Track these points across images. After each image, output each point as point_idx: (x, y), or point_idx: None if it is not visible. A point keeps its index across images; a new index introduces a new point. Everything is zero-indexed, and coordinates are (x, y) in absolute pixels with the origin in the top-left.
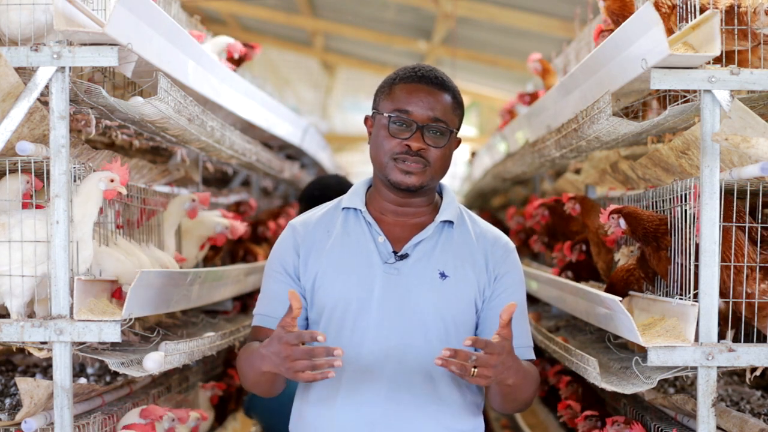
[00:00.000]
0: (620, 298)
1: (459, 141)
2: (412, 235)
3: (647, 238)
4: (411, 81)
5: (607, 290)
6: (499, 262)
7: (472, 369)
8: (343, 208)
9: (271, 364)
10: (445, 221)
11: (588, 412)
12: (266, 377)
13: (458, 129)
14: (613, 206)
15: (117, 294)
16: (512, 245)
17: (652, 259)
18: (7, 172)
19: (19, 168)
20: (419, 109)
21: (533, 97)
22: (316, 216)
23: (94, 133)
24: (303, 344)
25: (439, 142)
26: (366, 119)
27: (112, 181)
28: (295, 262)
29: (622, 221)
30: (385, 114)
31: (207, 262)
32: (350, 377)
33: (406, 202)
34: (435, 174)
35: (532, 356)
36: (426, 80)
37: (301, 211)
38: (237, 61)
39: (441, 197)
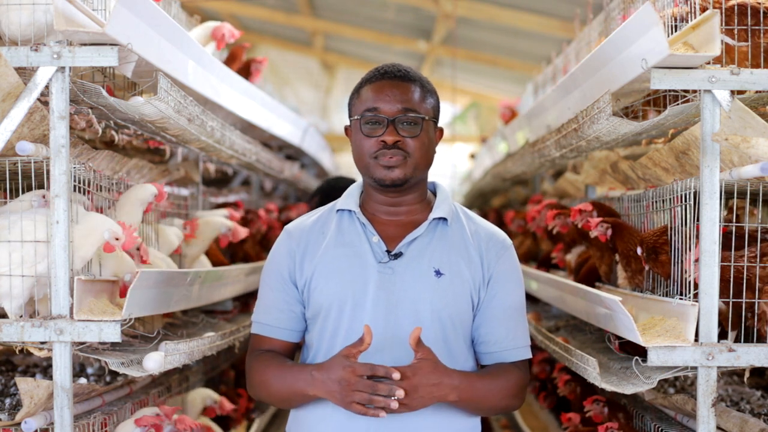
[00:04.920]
0: (620, 298)
1: (441, 131)
2: (406, 234)
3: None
4: (375, 80)
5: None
6: (494, 260)
7: (391, 401)
8: (338, 210)
9: (323, 389)
10: (438, 218)
11: (596, 396)
12: (301, 398)
13: (435, 118)
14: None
15: (124, 293)
16: (508, 242)
17: (655, 267)
18: (7, 172)
19: (20, 168)
20: (387, 104)
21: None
22: (311, 219)
23: (100, 133)
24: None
25: (413, 131)
26: (346, 130)
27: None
28: (290, 266)
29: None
30: (356, 117)
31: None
32: None
33: (397, 201)
34: (417, 164)
35: (526, 356)
36: (389, 75)
37: (316, 205)
38: (245, 74)
39: (435, 196)
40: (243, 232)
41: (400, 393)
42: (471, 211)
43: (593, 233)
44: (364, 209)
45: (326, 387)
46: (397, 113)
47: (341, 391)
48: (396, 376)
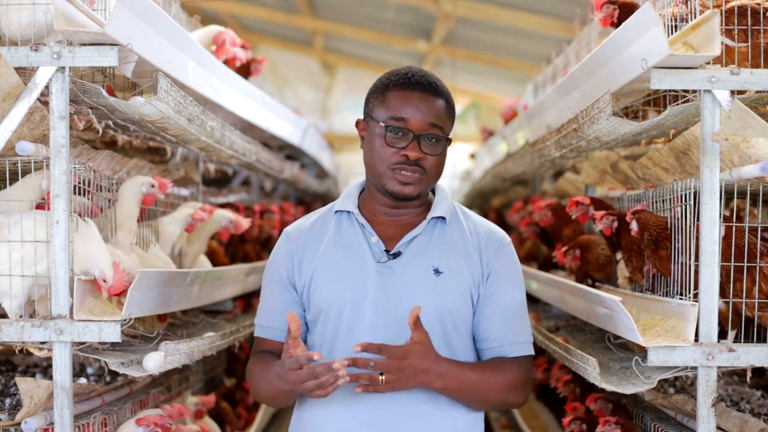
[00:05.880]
0: (620, 298)
1: (450, 141)
2: (404, 234)
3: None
4: (405, 87)
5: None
6: (492, 257)
7: (380, 377)
8: (336, 211)
9: (286, 384)
10: (437, 217)
11: (597, 395)
12: (286, 393)
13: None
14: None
15: (114, 293)
16: (507, 239)
17: (653, 259)
18: (7, 172)
19: (20, 168)
20: (415, 118)
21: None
22: (310, 221)
23: (100, 133)
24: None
25: (436, 149)
26: (358, 123)
27: (152, 186)
28: (289, 269)
29: (634, 224)
30: (381, 123)
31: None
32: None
33: (400, 206)
34: (431, 180)
35: (527, 352)
36: (420, 86)
37: None
38: (245, 74)
39: (434, 195)
40: (245, 224)
41: (335, 365)
42: (470, 210)
43: (598, 227)
44: (362, 209)
45: (287, 383)
46: (424, 129)
47: (294, 386)
48: (336, 366)
